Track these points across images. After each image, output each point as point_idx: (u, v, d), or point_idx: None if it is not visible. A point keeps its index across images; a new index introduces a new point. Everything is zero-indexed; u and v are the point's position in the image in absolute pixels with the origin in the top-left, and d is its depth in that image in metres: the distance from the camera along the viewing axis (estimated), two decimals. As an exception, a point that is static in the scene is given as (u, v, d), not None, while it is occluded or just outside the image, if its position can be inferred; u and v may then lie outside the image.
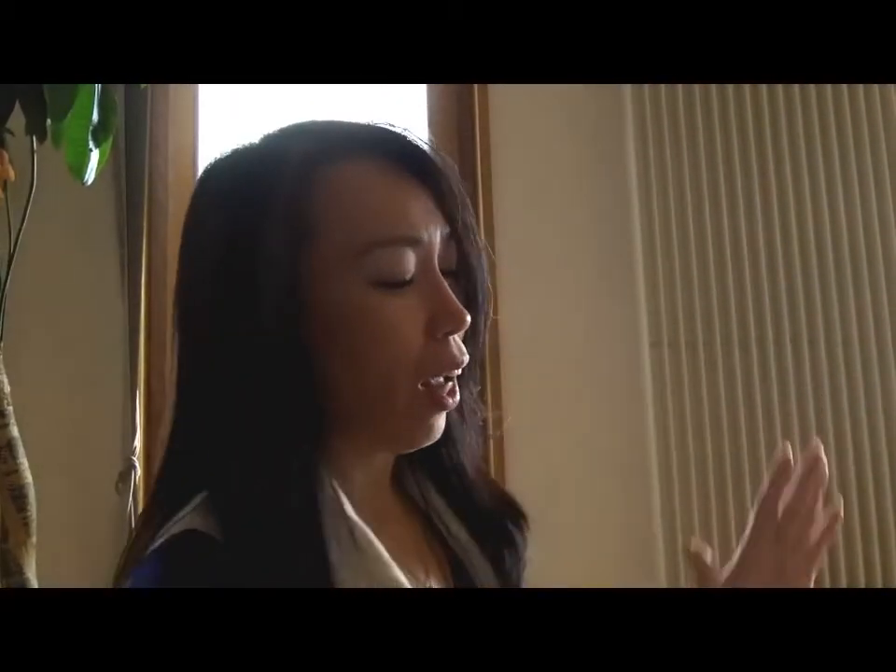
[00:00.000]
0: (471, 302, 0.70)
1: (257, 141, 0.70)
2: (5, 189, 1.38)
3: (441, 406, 0.67)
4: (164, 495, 0.68)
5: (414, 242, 0.66)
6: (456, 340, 0.68)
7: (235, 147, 0.71)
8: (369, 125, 0.71)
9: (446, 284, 0.67)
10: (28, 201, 1.39)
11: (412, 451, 0.70)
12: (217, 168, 0.70)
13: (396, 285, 0.65)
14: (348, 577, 0.63)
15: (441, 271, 0.68)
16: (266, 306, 0.63)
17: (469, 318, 0.67)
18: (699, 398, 1.94)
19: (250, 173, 0.67)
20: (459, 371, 0.69)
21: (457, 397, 0.69)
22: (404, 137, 0.70)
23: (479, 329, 0.73)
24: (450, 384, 0.68)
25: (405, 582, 0.67)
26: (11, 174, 1.36)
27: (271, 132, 0.71)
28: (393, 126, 0.72)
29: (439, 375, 0.67)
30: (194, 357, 0.68)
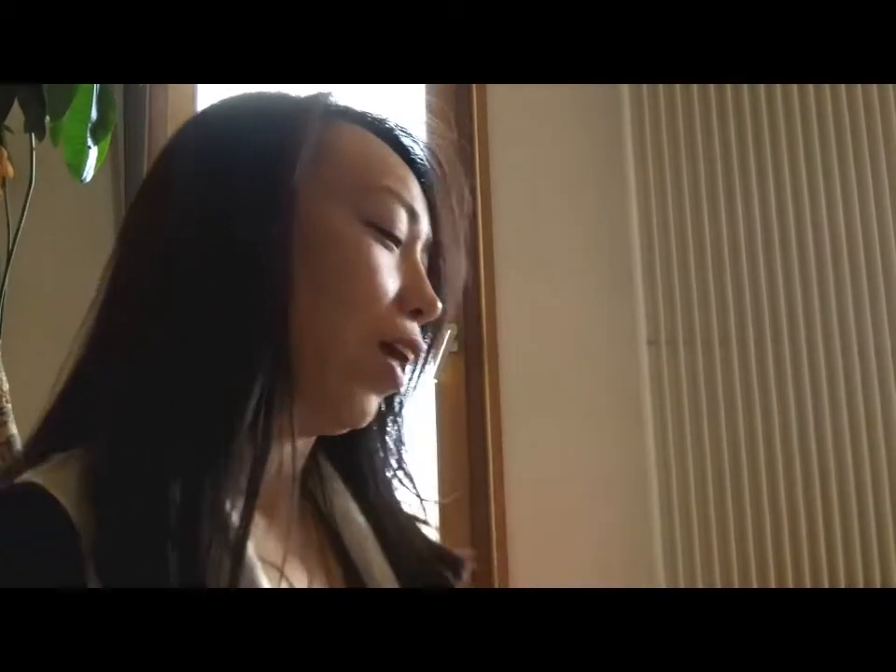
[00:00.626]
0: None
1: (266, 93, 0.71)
2: (4, 187, 1.38)
3: (390, 373, 0.62)
4: (44, 435, 0.61)
5: (411, 211, 0.64)
6: (418, 325, 0.65)
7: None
8: (376, 112, 0.72)
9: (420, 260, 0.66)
10: (27, 198, 1.39)
11: (337, 432, 0.64)
12: (218, 109, 0.71)
13: (387, 234, 0.63)
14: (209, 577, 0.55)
15: None
16: (246, 216, 0.58)
17: (440, 307, 0.65)
18: (697, 395, 1.94)
19: (267, 105, 0.67)
20: (412, 357, 0.65)
21: (404, 384, 0.65)
22: (407, 130, 0.71)
23: (437, 339, 0.71)
24: (403, 363, 0.65)
25: (264, 584, 0.60)
26: (10, 171, 1.36)
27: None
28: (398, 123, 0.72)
29: (397, 343, 0.62)
30: (133, 270, 0.61)
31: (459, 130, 0.79)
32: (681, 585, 1.90)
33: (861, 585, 1.89)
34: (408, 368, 0.65)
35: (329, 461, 0.71)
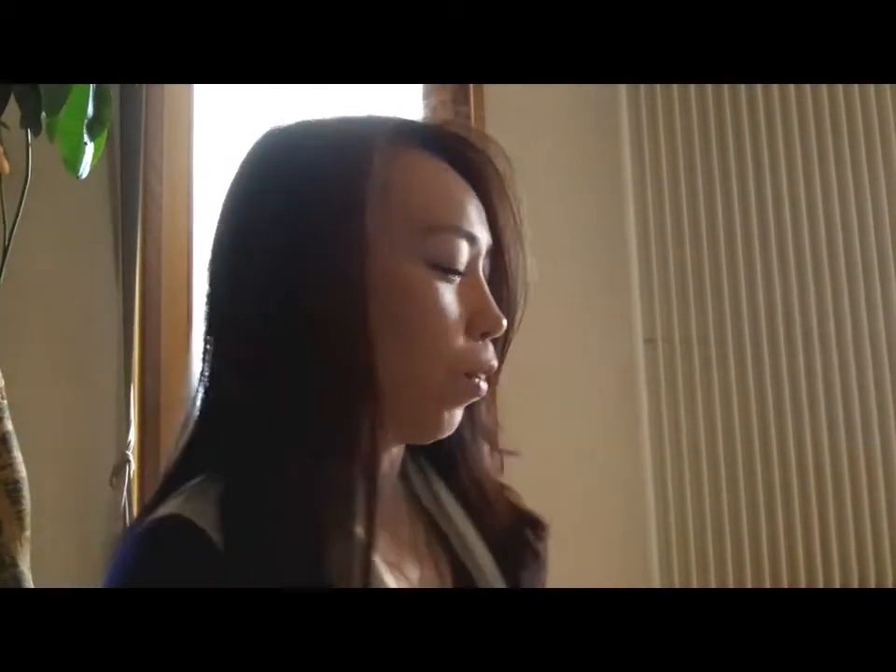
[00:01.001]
0: (506, 314, 0.71)
1: (321, 121, 0.72)
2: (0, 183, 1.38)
3: (475, 391, 0.68)
4: (177, 470, 0.66)
5: (471, 238, 0.68)
6: (490, 344, 0.70)
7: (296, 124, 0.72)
8: (430, 124, 0.74)
9: (488, 288, 0.69)
10: (23, 194, 1.39)
11: (426, 442, 0.70)
12: (280, 142, 0.71)
13: (451, 272, 0.67)
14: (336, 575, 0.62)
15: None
16: (333, 277, 0.63)
17: (505, 324, 0.69)
18: (693, 393, 1.94)
19: (331, 146, 0.68)
20: (487, 376, 0.70)
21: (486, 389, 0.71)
22: (464, 139, 0.73)
23: (507, 340, 0.75)
24: (483, 384, 0.70)
25: (390, 584, 0.67)
26: (6, 167, 1.36)
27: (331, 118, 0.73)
28: (453, 127, 0.74)
29: (476, 373, 0.68)
30: (242, 327, 0.66)
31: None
32: (676, 585, 1.90)
33: (856, 586, 1.89)
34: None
35: (421, 451, 0.78)
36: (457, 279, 0.68)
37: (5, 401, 1.54)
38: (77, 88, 1.29)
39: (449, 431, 0.70)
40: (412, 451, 0.77)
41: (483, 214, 0.70)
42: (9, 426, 1.55)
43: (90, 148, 1.43)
